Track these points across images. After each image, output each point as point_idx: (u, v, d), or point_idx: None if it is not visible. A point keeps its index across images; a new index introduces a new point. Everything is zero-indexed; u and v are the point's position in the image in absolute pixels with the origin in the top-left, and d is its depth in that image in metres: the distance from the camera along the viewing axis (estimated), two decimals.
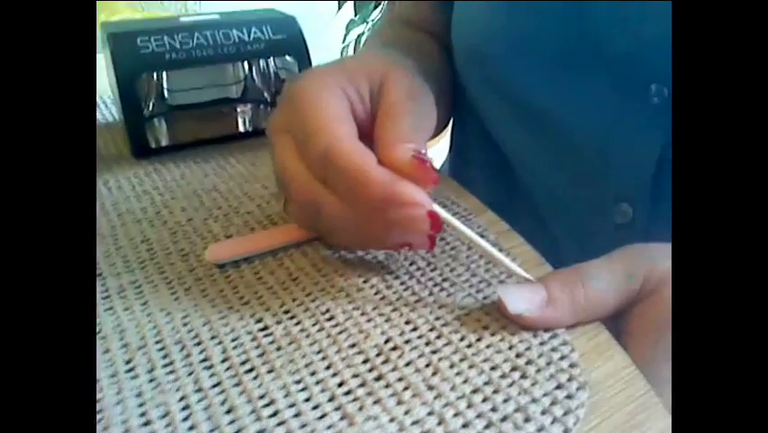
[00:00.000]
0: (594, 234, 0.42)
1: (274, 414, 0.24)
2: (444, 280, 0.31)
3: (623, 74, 0.38)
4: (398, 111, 0.31)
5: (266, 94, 0.55)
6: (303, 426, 0.23)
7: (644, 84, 0.37)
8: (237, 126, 0.54)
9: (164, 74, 0.51)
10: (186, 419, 0.24)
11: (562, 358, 0.26)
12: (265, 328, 0.29)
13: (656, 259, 0.29)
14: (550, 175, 0.45)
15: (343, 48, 1.93)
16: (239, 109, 0.55)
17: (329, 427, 0.23)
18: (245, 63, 0.55)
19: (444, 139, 0.63)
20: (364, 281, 0.32)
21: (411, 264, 0.33)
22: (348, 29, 1.99)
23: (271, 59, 0.55)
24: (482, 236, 0.35)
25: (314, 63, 0.50)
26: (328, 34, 1.89)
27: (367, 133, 0.31)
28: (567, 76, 0.40)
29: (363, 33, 1.88)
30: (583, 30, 0.39)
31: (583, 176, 0.42)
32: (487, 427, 0.23)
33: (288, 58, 0.52)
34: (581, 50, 0.39)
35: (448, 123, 0.58)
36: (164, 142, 0.50)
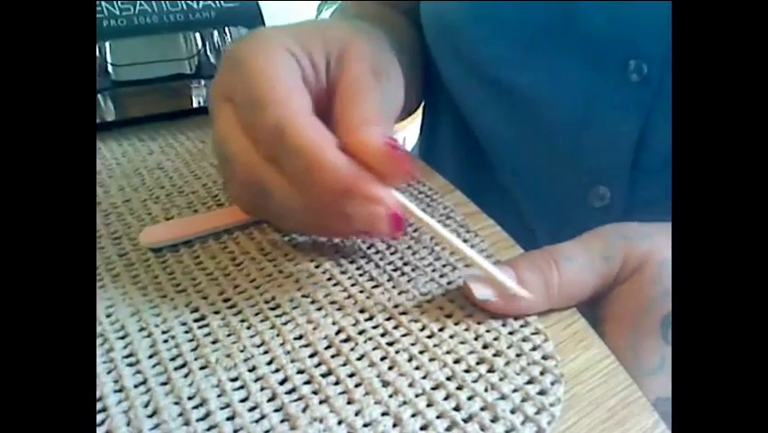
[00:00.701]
0: (570, 219, 0.40)
1: (205, 417, 0.21)
2: (405, 264, 0.28)
3: (600, 49, 0.35)
4: (362, 87, 0.27)
5: None
6: (237, 430, 0.20)
7: (623, 60, 0.35)
8: (190, 102, 0.50)
9: (106, 46, 0.47)
10: (101, 423, 0.20)
11: (534, 349, 0.23)
12: (201, 319, 0.25)
13: (635, 238, 0.26)
14: (523, 157, 0.42)
15: None
16: (193, 85, 0.52)
17: (267, 431, 0.20)
18: (198, 37, 0.51)
19: (416, 121, 0.60)
20: (316, 266, 0.28)
21: (369, 247, 0.30)
22: (320, 9, 1.93)
23: (227, 33, 0.51)
24: (449, 217, 0.32)
25: None
26: (299, 15, 1.83)
27: (318, 111, 0.26)
28: (542, 51, 0.38)
29: (336, 13, 1.82)
30: (559, 4, 0.36)
31: (558, 157, 0.40)
32: (449, 428, 0.20)
33: (244, 33, 0.49)
34: (557, 25, 0.37)
35: (420, 104, 0.55)
36: (108, 119, 0.46)
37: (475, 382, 0.22)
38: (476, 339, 0.24)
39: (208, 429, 0.20)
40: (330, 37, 0.29)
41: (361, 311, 0.25)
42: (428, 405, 0.21)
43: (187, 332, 0.24)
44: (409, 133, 1.10)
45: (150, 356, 0.23)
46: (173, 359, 0.23)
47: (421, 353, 0.23)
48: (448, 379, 0.22)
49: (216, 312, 0.25)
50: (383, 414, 0.21)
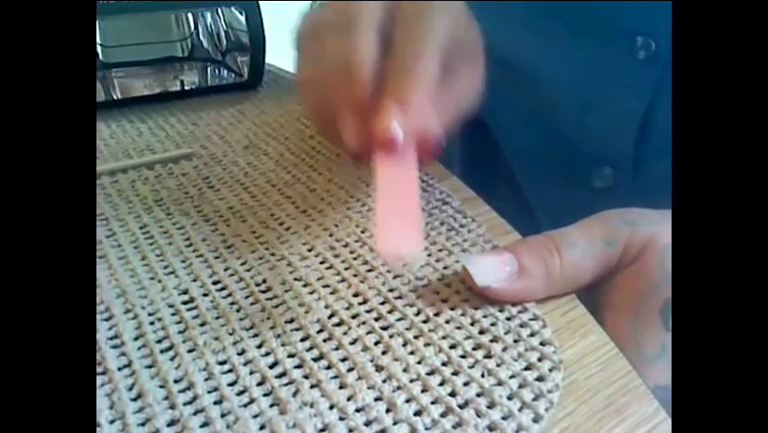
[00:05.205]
0: (572, 200, 0.39)
1: (191, 400, 0.20)
2: None
3: (607, 26, 0.35)
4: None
5: (213, 53, 0.51)
6: (224, 414, 0.19)
7: (630, 37, 0.34)
8: (182, 85, 0.49)
9: (96, 26, 0.46)
10: None
11: (532, 335, 0.23)
12: (190, 301, 0.24)
13: (638, 224, 0.25)
14: (527, 135, 0.42)
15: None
16: (185, 67, 0.51)
17: (256, 415, 0.19)
18: (190, 20, 0.51)
19: None
20: (309, 249, 0.28)
21: (363, 231, 0.29)
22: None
23: (220, 18, 0.50)
24: (446, 203, 0.31)
25: (276, 37, 0.46)
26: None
27: None
28: (547, 27, 0.37)
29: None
30: None
31: (562, 136, 0.39)
32: (444, 414, 0.20)
33: (237, 15, 0.48)
34: (563, 1, 0.36)
35: None
36: (96, 99, 0.45)
37: (471, 367, 0.21)
38: (472, 324, 0.23)
39: (195, 413, 0.19)
40: None
41: (355, 295, 0.25)
42: (423, 390, 0.20)
43: (174, 314, 0.24)
44: None
45: (136, 338, 0.23)
46: (159, 341, 0.22)
47: (416, 338, 0.22)
48: (443, 364, 0.21)
49: (206, 294, 0.25)
50: (376, 399, 0.20)
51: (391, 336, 0.22)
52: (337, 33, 0.26)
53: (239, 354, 0.22)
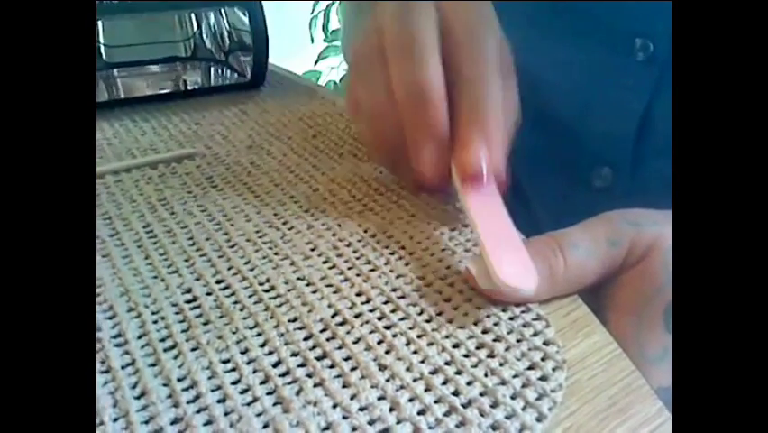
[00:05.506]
0: (572, 200, 0.39)
1: (194, 399, 0.20)
2: (402, 247, 0.28)
3: (605, 27, 0.35)
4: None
5: (216, 53, 0.51)
6: (227, 413, 0.19)
7: (629, 38, 0.34)
8: (185, 85, 0.49)
9: (99, 27, 0.46)
10: None
11: (535, 334, 0.23)
12: (193, 300, 0.24)
13: (642, 224, 0.25)
14: (526, 135, 0.42)
15: (312, 18, 1.84)
16: (188, 67, 0.51)
17: (259, 414, 0.19)
18: (193, 20, 0.51)
19: None
20: (312, 249, 0.28)
21: (365, 231, 0.29)
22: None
23: (223, 18, 0.50)
24: (449, 203, 0.31)
25: (279, 37, 0.46)
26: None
27: None
28: (545, 29, 0.37)
29: (333, 2, 1.79)
30: None
31: (561, 136, 0.39)
32: (447, 413, 0.20)
33: (240, 14, 0.48)
34: (561, 2, 0.36)
35: None
36: (99, 99, 0.45)
37: (474, 367, 0.21)
38: (475, 324, 0.23)
39: (198, 412, 0.19)
40: None
41: (358, 294, 0.25)
42: (426, 389, 0.20)
43: (177, 313, 0.24)
44: None
45: (139, 337, 0.23)
46: (163, 340, 0.22)
47: (419, 337, 0.22)
48: (447, 364, 0.21)
49: (209, 293, 0.25)
50: (380, 398, 0.20)
51: (394, 336, 0.22)
52: (400, 58, 0.26)
53: (242, 352, 0.22)
